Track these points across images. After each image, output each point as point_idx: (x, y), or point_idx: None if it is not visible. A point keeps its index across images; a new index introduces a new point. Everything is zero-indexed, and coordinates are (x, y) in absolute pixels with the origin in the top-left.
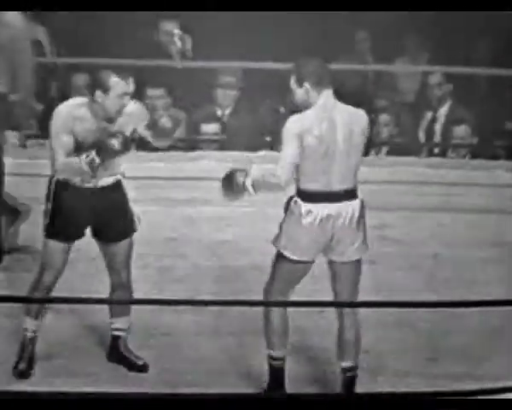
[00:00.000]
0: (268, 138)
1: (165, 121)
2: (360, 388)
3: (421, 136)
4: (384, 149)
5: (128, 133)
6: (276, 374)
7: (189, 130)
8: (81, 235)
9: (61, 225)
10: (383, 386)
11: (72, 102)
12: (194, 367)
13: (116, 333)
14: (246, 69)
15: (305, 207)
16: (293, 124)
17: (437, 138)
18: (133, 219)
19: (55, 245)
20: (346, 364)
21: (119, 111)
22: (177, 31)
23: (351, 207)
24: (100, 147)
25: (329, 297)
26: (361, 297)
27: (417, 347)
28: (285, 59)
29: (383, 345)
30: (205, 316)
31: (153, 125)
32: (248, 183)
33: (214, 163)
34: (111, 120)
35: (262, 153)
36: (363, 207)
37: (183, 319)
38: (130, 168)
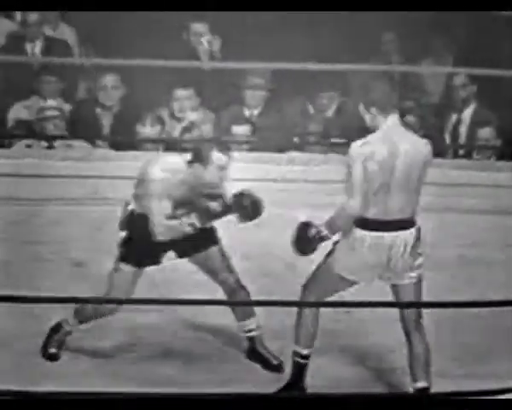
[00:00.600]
0: (296, 139)
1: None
2: (385, 388)
3: (447, 137)
4: None
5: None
6: (299, 371)
7: (218, 131)
8: (156, 262)
9: (137, 252)
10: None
11: (168, 166)
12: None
13: (249, 335)
14: (274, 70)
15: (359, 233)
16: (358, 149)
17: (462, 140)
18: (213, 233)
19: (127, 270)
20: (420, 384)
21: (217, 184)
22: (205, 32)
23: (405, 236)
24: (200, 210)
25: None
26: (383, 297)
27: (441, 346)
28: (313, 59)
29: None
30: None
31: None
32: (324, 233)
33: (242, 164)
34: (208, 189)
35: (290, 154)
36: (419, 232)
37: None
38: None
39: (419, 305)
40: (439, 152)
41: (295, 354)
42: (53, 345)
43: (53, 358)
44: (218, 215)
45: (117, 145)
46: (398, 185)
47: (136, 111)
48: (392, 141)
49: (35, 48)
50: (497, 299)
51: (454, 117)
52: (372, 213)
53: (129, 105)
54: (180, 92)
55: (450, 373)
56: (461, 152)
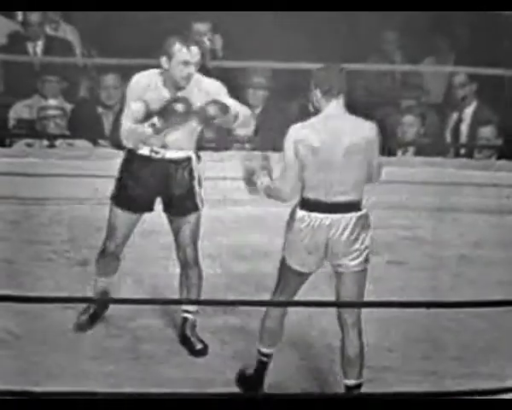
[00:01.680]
0: None
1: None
2: (386, 388)
3: (448, 136)
4: (411, 150)
5: (196, 105)
6: (260, 368)
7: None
8: (148, 207)
9: (127, 194)
10: (409, 386)
11: (147, 72)
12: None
13: (184, 315)
14: (275, 69)
15: (299, 214)
16: (290, 133)
17: (463, 139)
18: (196, 197)
19: (120, 213)
20: (350, 382)
21: (186, 79)
22: (207, 31)
23: (348, 220)
24: (162, 110)
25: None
26: (388, 297)
27: (442, 346)
28: (314, 59)
29: (406, 344)
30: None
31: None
32: (260, 187)
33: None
34: (180, 89)
35: None
36: (366, 220)
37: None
38: None
39: (422, 305)
40: (439, 151)
41: (258, 352)
42: (86, 313)
43: (80, 328)
44: (180, 118)
45: (118, 144)
46: (339, 168)
47: None
48: (333, 125)
49: (36, 47)
50: (498, 299)
51: (455, 116)
52: (313, 194)
53: None
54: None
55: (451, 373)
56: (462, 151)
